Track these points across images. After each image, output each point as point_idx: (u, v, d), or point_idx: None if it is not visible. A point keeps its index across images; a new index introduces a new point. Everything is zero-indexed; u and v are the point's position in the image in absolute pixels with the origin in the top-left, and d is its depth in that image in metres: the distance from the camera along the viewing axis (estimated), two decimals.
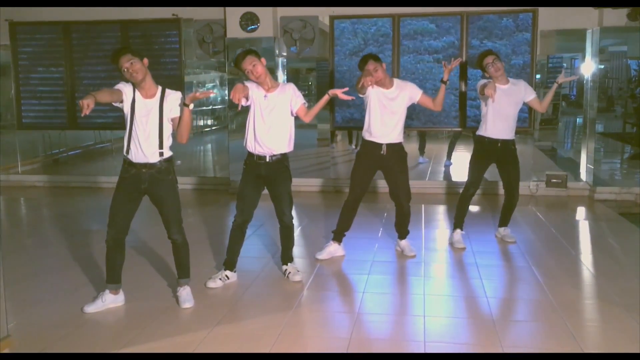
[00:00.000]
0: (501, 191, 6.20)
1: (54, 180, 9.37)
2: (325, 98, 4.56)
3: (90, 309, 4.15)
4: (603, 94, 18.27)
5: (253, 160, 4.59)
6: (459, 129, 8.40)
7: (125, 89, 3.97)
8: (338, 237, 5.44)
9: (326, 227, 6.22)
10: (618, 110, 14.96)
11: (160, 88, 4.02)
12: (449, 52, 7.99)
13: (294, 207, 4.85)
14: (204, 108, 15.19)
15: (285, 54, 8.48)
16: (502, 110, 5.41)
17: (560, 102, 15.41)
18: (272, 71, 8.36)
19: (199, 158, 12.73)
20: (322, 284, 4.81)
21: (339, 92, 4.55)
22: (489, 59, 5.39)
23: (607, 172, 9.10)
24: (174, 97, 3.98)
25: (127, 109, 3.95)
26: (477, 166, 5.63)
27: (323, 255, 5.36)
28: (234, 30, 8.22)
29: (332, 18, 8.28)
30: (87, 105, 3.50)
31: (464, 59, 7.90)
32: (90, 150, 12.66)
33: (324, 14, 8.28)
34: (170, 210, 4.14)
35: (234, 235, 4.70)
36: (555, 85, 5.53)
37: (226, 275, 4.72)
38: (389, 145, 5.14)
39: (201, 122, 15.54)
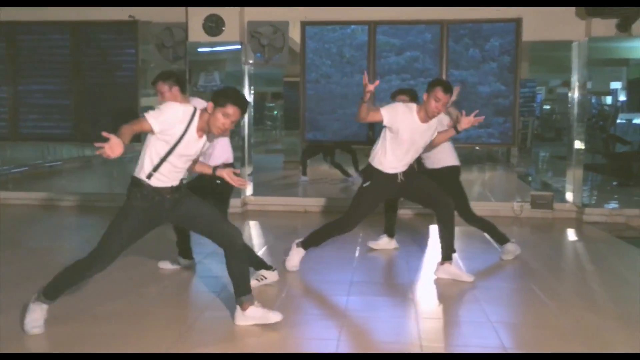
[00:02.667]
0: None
1: None
2: None
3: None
4: (550, 127, 18.83)
5: None
6: None
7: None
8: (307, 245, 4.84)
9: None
10: (565, 140, 15.08)
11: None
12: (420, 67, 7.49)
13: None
14: None
15: (252, 61, 7.82)
16: None
17: (528, 132, 15.37)
18: (238, 80, 7.76)
19: None
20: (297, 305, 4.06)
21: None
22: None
23: (593, 195, 8.64)
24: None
25: (176, 136, 3.34)
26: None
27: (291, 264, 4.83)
28: (197, 34, 7.53)
29: (304, 24, 7.69)
30: None
31: (444, 73, 7.39)
32: (39, 169, 11.68)
33: (295, 19, 7.67)
34: (212, 213, 3.60)
35: None
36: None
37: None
38: (404, 171, 4.54)
39: None
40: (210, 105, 3.34)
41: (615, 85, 14.85)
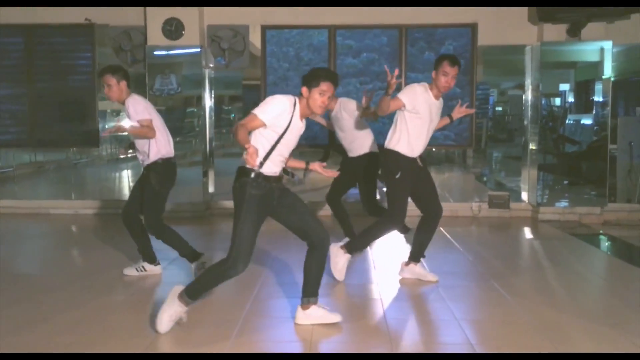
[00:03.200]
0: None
1: None
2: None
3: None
4: (503, 128, 19.42)
5: None
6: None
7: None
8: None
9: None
10: (517, 140, 15.56)
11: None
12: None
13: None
14: None
15: (212, 65, 7.79)
16: None
17: (483, 133, 15.74)
18: (199, 83, 7.71)
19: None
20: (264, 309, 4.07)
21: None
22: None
23: (547, 194, 8.92)
24: None
25: (283, 126, 3.47)
26: None
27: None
28: (156, 38, 7.46)
29: (264, 27, 7.71)
30: None
31: (403, 76, 7.52)
32: None
33: (255, 22, 7.67)
34: (308, 210, 3.75)
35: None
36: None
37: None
38: (420, 156, 4.62)
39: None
40: (304, 89, 3.50)
41: (564, 87, 15.38)
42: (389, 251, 5.80)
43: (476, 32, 7.55)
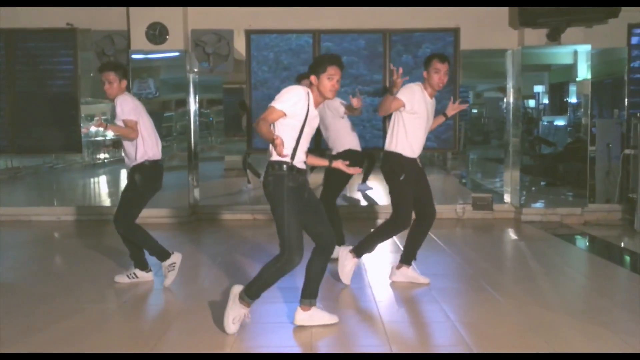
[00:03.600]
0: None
1: None
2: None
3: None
4: (479, 131, 19.67)
5: None
6: None
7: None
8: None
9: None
10: (493, 142, 15.78)
11: None
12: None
13: None
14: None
15: (197, 69, 7.77)
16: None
17: (461, 136, 15.89)
18: (183, 87, 7.67)
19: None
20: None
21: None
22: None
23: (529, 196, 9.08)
24: None
25: (303, 114, 3.53)
26: None
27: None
28: (139, 42, 7.41)
29: (248, 32, 7.72)
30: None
31: (387, 78, 7.60)
32: None
33: (239, 27, 7.68)
34: (324, 212, 3.80)
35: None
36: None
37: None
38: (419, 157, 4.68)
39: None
40: (312, 78, 3.57)
41: (538, 89, 15.70)
42: (377, 254, 5.84)
43: (459, 37, 7.66)
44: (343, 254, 4.74)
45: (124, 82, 4.60)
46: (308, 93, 3.57)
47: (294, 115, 3.49)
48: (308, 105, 3.54)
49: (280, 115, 3.46)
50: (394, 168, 4.54)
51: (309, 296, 3.76)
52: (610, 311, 4.16)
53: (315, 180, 6.60)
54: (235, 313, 3.59)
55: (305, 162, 3.65)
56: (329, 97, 3.61)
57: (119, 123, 4.48)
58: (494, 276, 5.07)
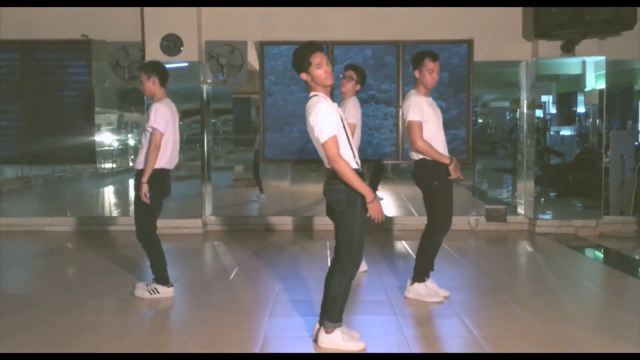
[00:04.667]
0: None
1: None
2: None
3: None
4: (485, 141, 19.69)
5: None
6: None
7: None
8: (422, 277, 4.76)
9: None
10: (500, 152, 15.80)
11: None
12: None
13: None
14: None
15: (210, 80, 7.80)
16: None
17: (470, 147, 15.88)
18: (196, 97, 7.69)
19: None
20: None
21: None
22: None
23: (542, 207, 9.06)
24: None
25: (340, 123, 3.51)
26: None
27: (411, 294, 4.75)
28: (154, 53, 7.42)
29: (262, 44, 7.74)
30: None
31: (400, 90, 7.61)
32: None
33: (252, 39, 7.70)
34: None
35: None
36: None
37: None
38: None
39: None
40: (303, 75, 3.48)
41: (545, 98, 15.72)
42: (394, 266, 5.83)
43: (472, 48, 7.66)
44: (414, 291, 4.70)
45: (156, 82, 4.70)
46: (324, 98, 3.48)
47: (339, 127, 3.45)
48: (334, 108, 3.49)
49: (336, 137, 3.40)
50: (428, 175, 4.53)
51: (337, 319, 3.69)
52: (632, 326, 4.12)
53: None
54: (338, 339, 3.62)
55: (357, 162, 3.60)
56: (328, 83, 3.49)
57: (148, 128, 4.58)
58: (513, 289, 5.05)
